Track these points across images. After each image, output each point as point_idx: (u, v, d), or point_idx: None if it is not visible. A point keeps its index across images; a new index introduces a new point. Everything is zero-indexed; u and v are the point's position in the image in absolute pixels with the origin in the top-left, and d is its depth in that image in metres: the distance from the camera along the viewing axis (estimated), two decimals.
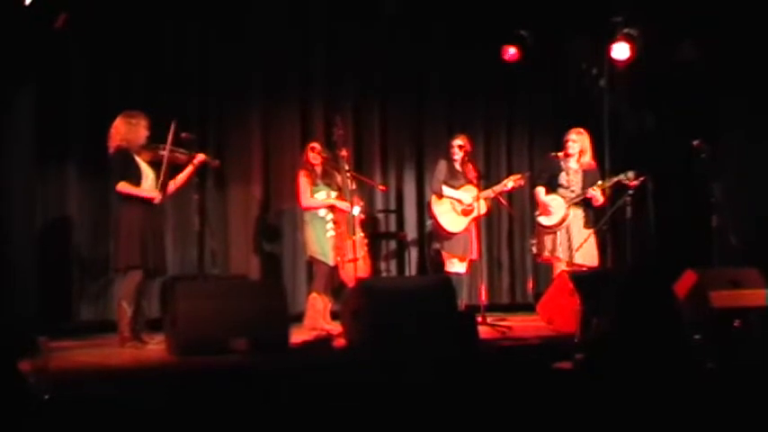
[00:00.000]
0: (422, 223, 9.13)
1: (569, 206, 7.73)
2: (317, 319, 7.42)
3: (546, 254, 7.85)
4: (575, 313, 6.43)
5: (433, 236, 8.32)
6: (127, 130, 6.65)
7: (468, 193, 7.93)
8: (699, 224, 8.35)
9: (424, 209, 9.09)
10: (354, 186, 7.57)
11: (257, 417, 4.62)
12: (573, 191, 7.77)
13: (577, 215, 7.76)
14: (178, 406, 4.59)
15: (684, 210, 8.86)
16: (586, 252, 7.69)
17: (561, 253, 7.71)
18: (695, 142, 7.99)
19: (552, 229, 7.75)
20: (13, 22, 6.59)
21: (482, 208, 7.93)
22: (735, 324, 6.77)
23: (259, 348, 5.88)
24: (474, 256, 8.07)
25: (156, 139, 6.78)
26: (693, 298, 7.04)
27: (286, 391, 4.85)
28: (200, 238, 7.80)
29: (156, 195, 6.67)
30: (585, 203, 7.79)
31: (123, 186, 6.59)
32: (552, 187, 7.85)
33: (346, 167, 7.47)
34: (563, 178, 7.82)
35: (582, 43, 9.07)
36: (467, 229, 7.96)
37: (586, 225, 7.77)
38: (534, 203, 8.06)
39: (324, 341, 6.51)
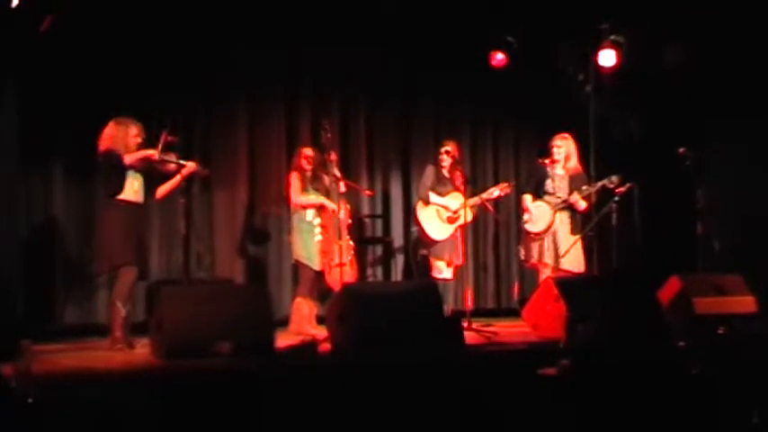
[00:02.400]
0: (408, 228, 9.15)
1: (555, 212, 7.75)
2: (303, 323, 7.41)
3: (533, 260, 7.87)
4: (560, 319, 6.43)
5: (419, 241, 8.33)
6: (116, 136, 6.65)
7: (454, 200, 7.95)
8: (684, 231, 8.39)
9: (410, 213, 9.10)
10: (344, 190, 7.57)
11: (242, 421, 4.61)
12: (559, 197, 7.79)
13: (564, 221, 7.78)
14: (163, 410, 4.58)
15: (670, 216, 8.89)
16: (573, 258, 7.71)
17: (548, 258, 7.73)
18: (681, 149, 8.03)
19: (539, 236, 7.77)
20: None
21: (468, 216, 7.96)
22: (719, 331, 6.81)
23: (244, 352, 5.86)
24: (459, 261, 8.08)
25: (146, 143, 6.78)
26: (678, 304, 7.07)
27: (271, 396, 4.84)
28: (185, 241, 7.74)
29: (155, 152, 6.66)
30: (572, 209, 7.81)
31: (128, 158, 6.58)
32: (539, 194, 7.87)
33: (335, 171, 7.46)
34: (549, 185, 7.84)
35: (569, 49, 9.10)
36: (452, 236, 7.98)
37: (573, 231, 7.79)
38: (521, 210, 8.06)
39: (309, 346, 6.49)
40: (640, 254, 7.93)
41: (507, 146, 9.85)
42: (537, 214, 7.80)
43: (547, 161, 7.92)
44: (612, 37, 8.79)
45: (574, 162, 7.91)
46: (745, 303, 7.25)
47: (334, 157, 7.48)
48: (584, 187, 7.76)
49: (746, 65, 8.71)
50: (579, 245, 7.76)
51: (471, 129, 9.64)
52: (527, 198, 7.92)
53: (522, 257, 8.07)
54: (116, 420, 4.37)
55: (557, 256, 7.70)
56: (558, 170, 7.86)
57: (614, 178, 7.68)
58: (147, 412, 4.51)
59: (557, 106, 9.34)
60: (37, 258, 7.50)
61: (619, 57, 8.82)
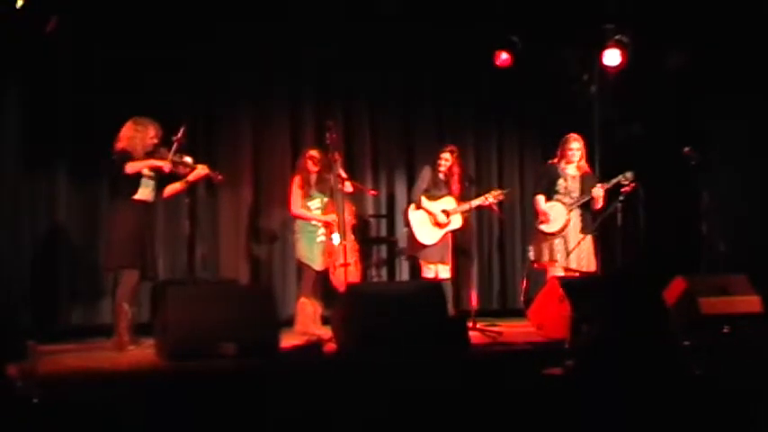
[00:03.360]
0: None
1: (570, 211, 7.71)
2: (308, 323, 7.41)
3: (544, 260, 7.79)
4: (565, 319, 6.43)
5: (407, 242, 8.27)
6: (133, 136, 6.67)
7: (446, 205, 7.93)
8: (688, 231, 8.38)
9: None
10: (351, 190, 7.56)
11: (247, 421, 4.61)
12: (572, 197, 7.73)
13: (574, 220, 7.74)
14: (167, 410, 4.58)
15: (674, 216, 8.88)
16: (584, 257, 7.68)
17: (558, 258, 7.67)
18: (685, 149, 8.02)
19: (555, 236, 7.71)
20: (4, 24, 6.59)
21: (458, 222, 7.95)
22: (724, 330, 6.80)
23: (249, 353, 5.87)
24: (449, 262, 8.04)
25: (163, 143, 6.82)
26: (683, 304, 7.07)
27: (276, 396, 4.84)
28: (190, 242, 7.79)
29: (166, 164, 6.69)
30: (584, 208, 7.76)
31: (131, 166, 6.60)
32: (549, 194, 7.83)
33: (340, 171, 7.43)
34: (560, 185, 7.79)
35: (573, 50, 9.09)
36: (442, 240, 7.95)
37: (583, 230, 7.75)
38: (535, 211, 7.95)
39: (314, 346, 6.50)
40: (645, 254, 7.90)
41: (511, 147, 9.82)
42: (552, 215, 7.76)
43: (560, 162, 7.87)
44: (617, 37, 8.77)
45: (583, 162, 7.89)
46: (751, 303, 7.24)
47: (338, 157, 7.45)
48: (598, 185, 7.72)
49: (753, 64, 8.69)
50: (590, 244, 7.72)
51: (475, 129, 9.62)
52: (540, 199, 7.86)
53: (532, 257, 8.01)
54: (120, 421, 4.37)
55: (567, 256, 7.67)
56: (571, 170, 7.82)
57: (629, 174, 7.63)
58: (151, 413, 4.51)
59: (561, 107, 9.34)
60: (41, 259, 7.51)
61: (624, 57, 8.81)
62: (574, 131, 8.02)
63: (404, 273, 9.08)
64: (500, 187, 8.70)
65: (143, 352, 6.44)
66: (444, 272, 7.97)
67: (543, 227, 7.81)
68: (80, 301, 7.71)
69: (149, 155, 6.73)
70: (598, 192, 7.67)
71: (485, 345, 6.79)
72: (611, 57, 8.83)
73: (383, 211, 9.17)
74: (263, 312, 6.25)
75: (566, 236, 7.71)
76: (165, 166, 6.69)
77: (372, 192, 8.76)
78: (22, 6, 6.52)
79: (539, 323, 7.23)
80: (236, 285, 8.10)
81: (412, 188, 8.27)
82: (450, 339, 6.26)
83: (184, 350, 5.81)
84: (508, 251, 9.73)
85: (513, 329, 7.70)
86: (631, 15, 8.67)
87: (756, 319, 7.09)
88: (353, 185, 7.66)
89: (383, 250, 9.17)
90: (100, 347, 6.72)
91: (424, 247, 7.92)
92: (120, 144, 6.67)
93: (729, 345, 6.49)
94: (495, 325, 7.83)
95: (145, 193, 6.71)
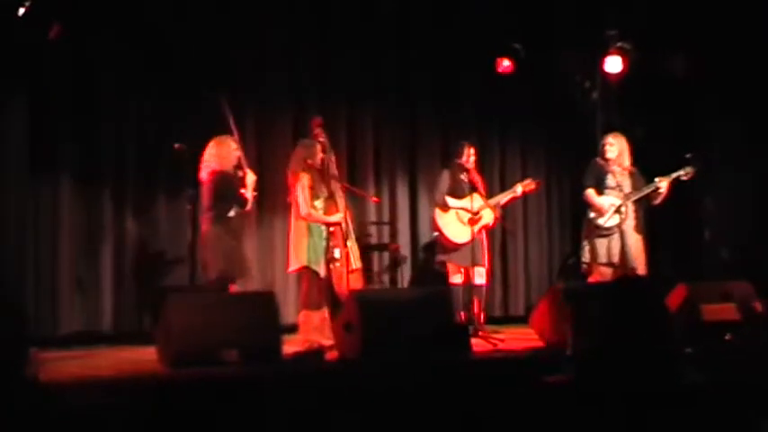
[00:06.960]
0: (415, 235, 9.14)
1: (625, 205, 7.56)
2: (310, 331, 7.34)
3: (601, 261, 7.56)
4: (567, 326, 6.42)
5: (437, 247, 8.18)
6: (219, 154, 6.80)
7: (474, 203, 7.80)
8: (690, 237, 8.36)
9: (417, 221, 9.13)
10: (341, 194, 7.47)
11: (249, 429, 4.61)
12: (624, 192, 7.60)
13: (631, 216, 7.61)
14: (170, 418, 4.58)
15: (676, 223, 8.87)
16: (638, 257, 7.57)
17: (616, 258, 7.51)
18: (687, 155, 8.01)
19: (612, 231, 7.53)
20: (6, 32, 6.61)
21: (489, 217, 7.88)
22: (726, 338, 6.79)
23: (251, 360, 5.87)
24: (486, 264, 7.95)
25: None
26: (685, 311, 7.05)
27: (278, 403, 4.84)
28: (192, 248, 7.78)
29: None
30: (638, 205, 7.62)
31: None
32: (600, 190, 7.68)
33: (335, 172, 7.34)
34: (611, 180, 7.66)
35: (575, 56, 9.10)
36: (476, 238, 7.81)
37: (637, 228, 7.61)
38: (587, 206, 7.73)
39: (316, 353, 6.49)
40: (647, 261, 7.88)
41: (514, 154, 9.82)
42: (607, 208, 7.57)
43: (603, 159, 7.74)
44: (619, 44, 8.78)
45: (628, 161, 7.79)
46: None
47: (332, 158, 7.38)
48: (656, 179, 7.62)
49: (754, 71, 8.70)
50: (641, 244, 7.61)
51: (477, 136, 9.59)
52: (591, 193, 7.68)
53: (588, 259, 7.69)
54: (123, 428, 4.37)
55: (624, 255, 7.50)
56: (616, 167, 7.72)
57: (689, 169, 7.56)
58: (153, 420, 4.51)
59: (563, 112, 9.34)
60: (44, 265, 7.51)
61: (625, 64, 8.81)
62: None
63: (405, 280, 9.08)
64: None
65: (146, 359, 6.44)
66: (479, 277, 7.85)
67: (600, 221, 7.59)
68: (82, 308, 7.71)
69: (237, 168, 6.90)
70: (663, 184, 7.55)
71: (487, 352, 6.78)
72: (613, 64, 8.82)
73: (385, 218, 9.15)
74: (266, 318, 6.25)
75: (624, 232, 7.53)
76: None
77: (374, 199, 8.75)
78: (24, 14, 6.53)
79: (541, 330, 7.21)
80: (238, 292, 8.08)
81: (434, 194, 8.19)
82: (452, 347, 6.25)
83: (187, 357, 5.80)
84: (510, 257, 9.72)
85: (516, 337, 7.68)
86: (633, 21, 8.68)
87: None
88: (355, 192, 7.61)
89: (385, 257, 9.15)
90: (100, 354, 6.73)
91: (457, 246, 7.82)
92: (217, 165, 6.79)
93: (732, 352, 6.48)
94: (497, 332, 7.80)
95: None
